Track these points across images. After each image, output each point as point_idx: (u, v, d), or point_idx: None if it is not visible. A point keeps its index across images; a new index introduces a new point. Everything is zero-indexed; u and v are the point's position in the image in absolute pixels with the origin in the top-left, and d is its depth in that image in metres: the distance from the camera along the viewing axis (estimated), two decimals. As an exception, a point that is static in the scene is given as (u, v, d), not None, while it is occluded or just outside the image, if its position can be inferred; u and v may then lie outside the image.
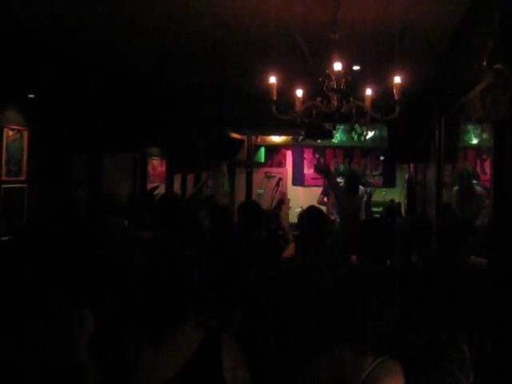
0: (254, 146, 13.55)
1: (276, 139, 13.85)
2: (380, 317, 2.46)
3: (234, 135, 12.43)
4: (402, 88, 4.90)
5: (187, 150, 11.16)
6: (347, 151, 14.30)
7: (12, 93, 7.02)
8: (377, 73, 5.45)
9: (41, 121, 7.58)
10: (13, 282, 2.35)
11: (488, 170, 11.75)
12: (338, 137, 13.46)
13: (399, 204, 12.21)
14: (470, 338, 2.72)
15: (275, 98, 5.00)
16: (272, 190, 11.25)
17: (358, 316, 2.46)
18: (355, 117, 5.13)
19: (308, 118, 5.22)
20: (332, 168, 13.78)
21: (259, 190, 13.55)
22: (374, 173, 14.29)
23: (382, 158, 13.62)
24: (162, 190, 10.75)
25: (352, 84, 5.00)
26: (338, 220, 9.76)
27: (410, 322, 2.64)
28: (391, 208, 10.80)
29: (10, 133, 7.12)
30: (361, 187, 10.03)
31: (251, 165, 13.34)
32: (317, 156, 14.33)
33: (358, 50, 5.73)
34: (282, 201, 6.70)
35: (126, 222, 5.60)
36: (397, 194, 13.27)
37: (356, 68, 6.60)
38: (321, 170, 9.68)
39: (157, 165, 11.39)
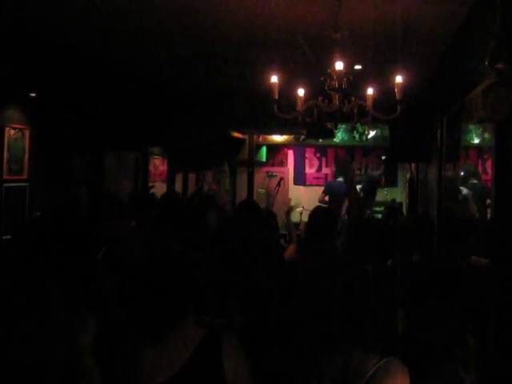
0: (256, 146, 13.55)
1: (277, 138, 13.84)
2: (385, 316, 2.46)
3: (236, 134, 12.43)
4: (404, 87, 4.90)
5: (189, 149, 11.16)
6: (349, 150, 14.29)
7: (14, 92, 7.02)
8: (378, 72, 5.46)
9: (42, 120, 7.59)
10: (13, 281, 2.35)
11: (489, 170, 11.74)
12: (340, 136, 13.45)
13: (401, 203, 12.22)
14: (472, 337, 2.72)
15: (277, 97, 5.00)
16: (273, 190, 11.27)
17: (364, 315, 2.46)
18: (357, 116, 5.13)
19: (310, 117, 5.22)
20: (332, 167, 13.83)
21: (260, 190, 13.55)
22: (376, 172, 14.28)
23: (383, 157, 13.62)
24: (161, 189, 10.77)
25: (353, 83, 5.00)
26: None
27: (413, 321, 2.64)
28: (393, 208, 10.81)
29: (12, 131, 7.12)
30: None
31: (253, 164, 13.34)
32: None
33: (359, 50, 5.72)
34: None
35: (134, 222, 5.60)
36: (398, 194, 13.27)
37: (358, 67, 6.59)
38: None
39: (158, 164, 11.40)
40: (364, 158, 14.31)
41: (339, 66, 4.84)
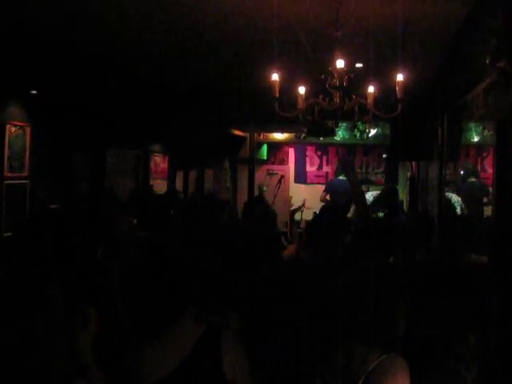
0: (257, 143, 13.56)
1: (278, 136, 13.84)
2: (386, 314, 2.47)
3: (237, 132, 12.43)
4: (405, 86, 4.90)
5: (189, 146, 11.16)
6: (350, 149, 14.30)
7: (15, 89, 7.02)
8: (379, 70, 5.45)
9: (43, 117, 7.58)
10: (13, 279, 2.35)
11: (488, 168, 11.76)
12: (341, 134, 13.45)
13: (401, 202, 12.21)
14: (473, 335, 2.72)
15: (278, 95, 4.99)
16: (274, 187, 11.29)
17: (365, 313, 2.46)
18: (357, 114, 5.13)
19: (310, 115, 5.22)
20: (333, 165, 13.83)
21: (261, 186, 13.56)
22: (377, 170, 14.30)
23: (384, 155, 13.62)
24: (162, 187, 10.78)
25: (354, 81, 4.99)
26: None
27: (414, 319, 2.64)
28: (393, 206, 10.79)
29: (13, 129, 7.12)
30: None
31: (253, 162, 13.35)
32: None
33: (360, 48, 5.72)
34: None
35: (135, 221, 5.60)
36: (399, 192, 13.27)
37: (358, 65, 6.59)
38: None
39: (159, 161, 11.39)
40: (365, 156, 14.32)
41: (340, 64, 4.84)
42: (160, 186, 10.76)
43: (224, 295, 3.48)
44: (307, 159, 14.62)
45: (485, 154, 12.35)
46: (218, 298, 3.33)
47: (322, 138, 13.02)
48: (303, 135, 12.97)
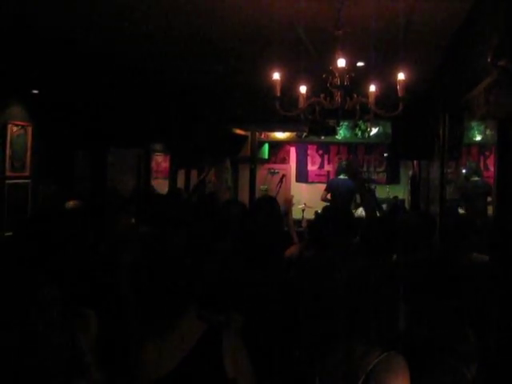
0: (258, 142, 13.55)
1: (280, 135, 13.84)
2: (387, 312, 2.47)
3: (238, 131, 12.43)
4: (406, 84, 4.90)
5: (191, 145, 11.16)
6: (351, 148, 14.30)
7: (16, 88, 7.02)
8: (381, 69, 5.45)
9: (45, 116, 7.59)
10: (14, 281, 2.36)
11: (491, 167, 11.76)
12: (342, 133, 13.45)
13: (403, 201, 12.22)
14: (473, 333, 2.72)
15: (279, 94, 4.99)
16: (275, 187, 11.28)
17: (366, 311, 2.47)
18: (359, 113, 5.12)
19: (312, 114, 5.22)
20: (335, 165, 13.82)
21: (262, 187, 13.56)
22: (378, 169, 14.30)
23: (385, 154, 13.62)
24: (163, 186, 10.78)
25: (356, 80, 4.99)
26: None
27: (415, 318, 2.64)
28: (396, 205, 10.81)
29: (14, 128, 7.12)
30: None
31: (255, 161, 13.34)
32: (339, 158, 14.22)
33: (361, 47, 5.72)
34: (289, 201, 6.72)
35: (133, 220, 5.60)
36: (400, 191, 13.27)
37: (360, 64, 6.59)
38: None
39: (160, 161, 11.39)
40: (366, 155, 14.32)
41: (341, 63, 4.84)
42: (161, 185, 10.77)
43: (226, 294, 3.49)
44: (308, 158, 14.63)
45: (487, 153, 12.35)
46: (219, 297, 3.35)
47: (323, 137, 13.01)
48: (304, 134, 12.97)
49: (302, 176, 14.61)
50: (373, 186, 10.45)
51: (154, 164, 11.06)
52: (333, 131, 11.42)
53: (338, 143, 14.11)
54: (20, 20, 5.75)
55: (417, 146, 8.83)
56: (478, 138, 11.56)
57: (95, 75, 7.47)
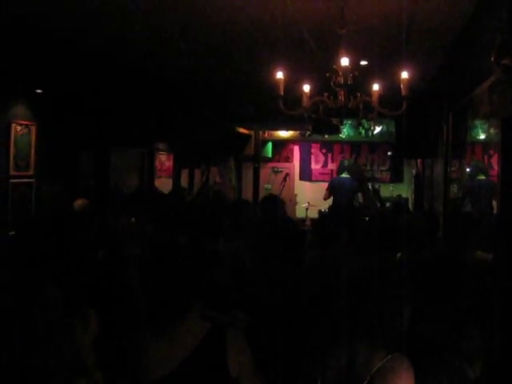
0: (262, 141, 13.56)
1: (283, 134, 13.85)
2: (391, 311, 2.47)
3: (242, 130, 12.45)
4: (410, 83, 4.90)
5: (194, 144, 11.17)
6: (355, 146, 14.30)
7: (20, 88, 7.04)
8: (384, 68, 5.45)
9: (48, 116, 7.60)
10: (15, 279, 2.36)
11: (495, 166, 11.72)
12: (346, 132, 13.45)
13: (406, 199, 12.21)
14: (478, 332, 2.72)
15: (282, 93, 5.00)
16: (279, 185, 11.30)
17: (370, 310, 2.46)
18: (362, 112, 5.12)
19: (315, 113, 5.22)
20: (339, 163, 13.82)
21: (266, 185, 13.57)
22: (382, 168, 14.29)
23: (389, 153, 13.61)
24: (167, 185, 10.79)
25: (359, 79, 4.99)
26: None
27: (419, 316, 2.64)
28: (399, 204, 10.80)
29: (18, 128, 7.14)
30: None
31: (258, 160, 13.36)
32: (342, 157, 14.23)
33: (365, 45, 5.72)
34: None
35: (133, 219, 5.60)
36: (404, 190, 13.27)
37: (363, 63, 6.59)
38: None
39: (164, 160, 11.41)
40: (370, 153, 14.31)
41: (345, 61, 4.84)
42: (165, 184, 10.78)
43: (230, 294, 3.49)
44: (312, 157, 14.63)
45: (491, 152, 12.32)
46: (224, 297, 3.35)
47: (326, 136, 13.02)
48: (308, 133, 12.98)
49: (306, 175, 14.61)
50: (377, 186, 10.45)
51: (157, 163, 11.08)
52: (336, 130, 11.41)
53: (342, 142, 14.11)
54: (23, 20, 5.76)
55: (420, 144, 8.83)
56: (482, 136, 11.53)
57: (99, 75, 7.48)
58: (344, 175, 11.37)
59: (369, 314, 2.47)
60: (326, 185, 12.26)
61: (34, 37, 6.12)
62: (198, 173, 12.00)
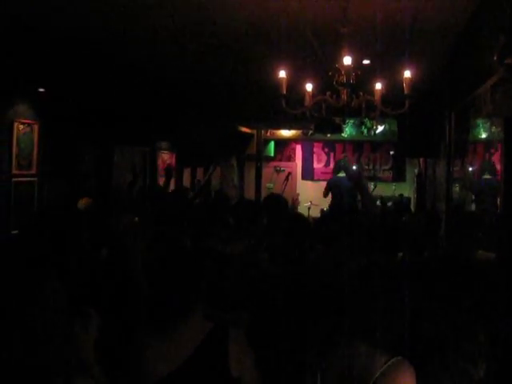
0: (264, 140, 13.56)
1: (285, 133, 13.85)
2: (393, 311, 2.46)
3: (244, 129, 12.45)
4: (412, 82, 4.89)
5: (197, 143, 11.18)
6: (357, 145, 14.28)
7: (22, 87, 7.04)
8: (387, 67, 5.44)
9: (51, 114, 7.61)
10: (15, 279, 2.36)
11: (496, 165, 11.70)
12: (348, 131, 13.45)
13: (409, 199, 12.20)
14: (482, 332, 2.71)
15: (285, 92, 5.00)
16: (281, 184, 11.30)
17: (371, 310, 2.46)
18: (365, 111, 5.12)
19: (317, 112, 5.22)
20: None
21: (269, 184, 13.57)
22: (384, 167, 14.27)
23: (391, 152, 13.60)
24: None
25: (362, 78, 4.99)
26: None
27: (422, 317, 2.64)
28: (401, 203, 10.81)
29: (21, 126, 7.14)
30: None
31: (261, 159, 13.36)
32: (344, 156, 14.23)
33: (367, 44, 5.72)
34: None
35: (137, 218, 5.60)
36: (406, 189, 13.26)
37: (366, 62, 6.58)
38: (352, 178, 9.61)
39: (166, 158, 11.41)
40: (372, 153, 14.30)
41: (347, 60, 4.84)
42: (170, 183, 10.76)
43: (232, 293, 3.49)
44: (314, 156, 14.62)
45: (492, 151, 12.30)
46: (227, 297, 3.35)
47: (329, 135, 13.03)
48: (310, 132, 12.98)
49: (308, 174, 14.61)
50: (372, 185, 10.47)
51: (159, 162, 11.08)
52: (339, 129, 11.43)
53: (344, 141, 14.11)
54: (26, 19, 5.77)
55: (423, 143, 8.83)
56: (484, 135, 11.52)
57: (101, 74, 7.49)
58: (341, 174, 11.34)
59: (370, 312, 2.47)
60: (327, 184, 12.27)
61: (36, 35, 6.12)
62: (200, 172, 12.00)
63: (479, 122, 9.97)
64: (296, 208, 11.95)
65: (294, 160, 14.72)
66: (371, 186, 10.30)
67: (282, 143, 14.56)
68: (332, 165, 14.39)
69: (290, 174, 12.28)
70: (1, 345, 2.14)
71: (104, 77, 7.61)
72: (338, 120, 9.67)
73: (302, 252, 4.08)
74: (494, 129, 10.49)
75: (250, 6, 5.29)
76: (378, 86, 5.07)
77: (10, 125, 6.96)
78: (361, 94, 5.04)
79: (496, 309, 3.82)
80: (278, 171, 14.12)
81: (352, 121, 12.97)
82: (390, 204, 11.40)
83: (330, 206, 10.60)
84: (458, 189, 8.46)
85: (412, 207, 11.47)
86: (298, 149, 14.71)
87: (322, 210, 11.22)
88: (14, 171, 7.06)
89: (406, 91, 4.90)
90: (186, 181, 11.82)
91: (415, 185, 11.65)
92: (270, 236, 4.49)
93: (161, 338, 2.61)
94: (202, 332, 2.61)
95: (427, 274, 3.93)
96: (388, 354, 2.39)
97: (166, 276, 2.62)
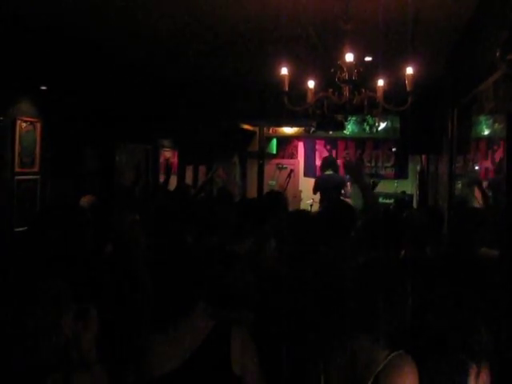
0: (266, 138, 13.55)
1: (288, 130, 13.84)
2: (396, 308, 2.46)
3: (246, 126, 12.44)
4: (415, 79, 4.89)
5: (199, 141, 11.17)
6: (359, 142, 14.27)
7: (25, 85, 7.04)
8: (389, 64, 5.44)
9: (53, 112, 7.60)
10: (17, 277, 2.37)
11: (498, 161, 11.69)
12: (350, 128, 13.43)
13: (411, 195, 12.19)
14: (485, 328, 2.71)
15: (287, 89, 5.00)
16: (284, 182, 11.29)
17: (375, 307, 2.46)
18: (367, 108, 5.13)
19: (320, 109, 5.22)
20: (343, 160, 13.79)
21: (271, 182, 13.57)
22: (386, 164, 14.25)
23: (394, 149, 13.59)
24: (172, 181, 10.78)
25: (364, 75, 4.99)
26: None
27: (423, 313, 2.64)
28: (402, 201, 10.79)
29: (23, 124, 7.14)
30: None
31: (263, 156, 13.35)
32: (346, 154, 14.23)
33: (370, 41, 5.71)
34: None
35: (138, 216, 5.59)
36: (409, 186, 13.24)
37: (368, 59, 6.58)
38: (350, 170, 9.59)
39: (169, 156, 11.41)
40: (374, 150, 14.28)
41: (349, 57, 4.84)
42: (170, 180, 10.77)
43: (235, 291, 3.49)
44: (316, 153, 14.60)
45: (495, 147, 12.29)
46: (229, 294, 3.35)
47: (331, 132, 13.02)
48: (312, 129, 12.97)
49: (310, 171, 14.58)
50: (370, 181, 10.47)
51: (162, 160, 11.08)
52: (341, 126, 11.42)
53: (346, 138, 14.09)
54: (29, 17, 5.77)
55: (425, 140, 8.82)
56: (486, 132, 11.51)
57: (103, 72, 7.49)
58: (328, 172, 11.31)
59: (372, 308, 2.47)
60: (330, 181, 12.27)
61: (39, 34, 6.13)
62: (202, 169, 12.00)
63: (482, 118, 9.96)
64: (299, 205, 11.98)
65: (296, 157, 14.71)
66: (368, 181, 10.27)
67: (284, 140, 14.54)
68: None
69: (292, 171, 12.25)
70: (1, 341, 2.15)
71: (106, 75, 7.61)
72: (340, 117, 9.65)
73: (308, 250, 4.08)
74: (496, 125, 10.50)
75: (252, 2, 5.29)
76: (381, 82, 5.07)
77: (13, 123, 6.96)
78: (363, 90, 5.04)
79: (498, 305, 3.82)
80: (280, 168, 14.11)
81: (354, 118, 12.95)
82: (391, 201, 11.40)
83: (320, 204, 10.69)
84: (460, 185, 8.45)
85: (414, 204, 11.45)
86: (300, 146, 14.69)
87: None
88: (17, 169, 7.06)
89: (408, 88, 4.89)
90: (189, 178, 11.81)
91: (417, 182, 11.63)
92: (278, 234, 4.49)
93: (163, 336, 2.61)
94: (205, 330, 2.62)
95: (429, 268, 3.93)
96: (390, 347, 2.39)
97: (168, 274, 2.62)
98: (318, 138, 14.21)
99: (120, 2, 5.35)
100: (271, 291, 3.74)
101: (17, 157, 7.02)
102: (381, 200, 11.23)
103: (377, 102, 5.08)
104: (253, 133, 12.95)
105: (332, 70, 4.97)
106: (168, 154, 11.39)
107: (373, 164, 14.20)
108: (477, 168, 10.06)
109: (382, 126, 13.12)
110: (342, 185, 11.00)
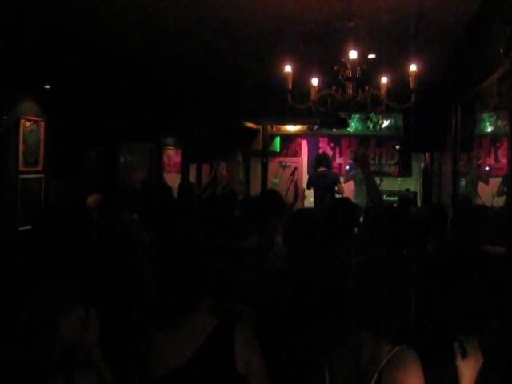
0: (269, 136, 13.53)
1: (291, 128, 13.83)
2: (398, 303, 2.47)
3: (249, 125, 12.43)
4: (418, 76, 4.88)
5: (202, 139, 11.18)
6: (362, 140, 14.25)
7: (29, 84, 7.05)
8: (392, 61, 5.43)
9: (57, 111, 7.61)
10: (19, 275, 2.37)
11: (501, 158, 11.71)
12: (354, 126, 13.42)
13: (415, 193, 12.17)
14: (490, 326, 2.71)
15: (290, 86, 5.00)
16: (287, 180, 11.29)
17: (378, 303, 2.46)
18: (370, 105, 5.12)
19: (323, 106, 5.22)
20: (347, 157, 13.79)
21: (274, 180, 13.56)
22: (390, 162, 14.23)
23: (397, 146, 13.57)
24: (175, 180, 10.80)
25: (367, 72, 4.99)
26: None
27: (426, 309, 2.64)
28: (407, 198, 10.78)
29: (27, 123, 7.15)
30: None
31: (266, 154, 13.34)
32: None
33: (373, 39, 5.71)
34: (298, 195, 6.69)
35: (136, 215, 5.58)
36: (412, 184, 13.23)
37: (371, 56, 6.57)
38: (358, 158, 9.59)
39: (172, 155, 11.42)
40: (378, 147, 14.26)
41: (353, 55, 4.83)
42: (173, 179, 10.79)
43: (239, 289, 3.49)
44: (320, 151, 14.59)
45: (498, 144, 12.29)
46: (233, 292, 3.35)
47: (334, 130, 13.01)
48: (316, 127, 12.96)
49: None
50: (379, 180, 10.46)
51: (165, 158, 11.09)
52: (344, 124, 11.40)
53: (350, 136, 14.08)
54: (32, 16, 5.78)
55: (429, 138, 8.81)
56: (490, 129, 11.51)
57: (107, 70, 7.50)
58: (321, 169, 11.29)
59: (375, 304, 2.47)
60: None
61: (42, 33, 6.13)
62: (206, 168, 12.00)
63: (485, 115, 9.95)
64: (302, 203, 11.96)
65: (300, 155, 14.69)
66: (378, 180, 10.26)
67: (288, 138, 14.53)
68: (338, 160, 14.38)
69: (295, 169, 12.24)
70: (2, 339, 2.16)
71: (109, 75, 7.61)
72: (343, 115, 9.66)
73: (316, 247, 4.08)
74: (499, 122, 10.49)
75: (256, 1, 5.29)
76: (384, 80, 5.07)
77: (17, 122, 6.97)
78: (366, 88, 5.04)
79: (503, 303, 3.81)
80: (284, 166, 14.10)
81: (358, 115, 12.94)
82: (395, 198, 11.39)
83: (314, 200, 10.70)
84: (464, 183, 8.45)
85: (418, 202, 11.45)
86: (304, 144, 14.67)
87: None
88: (21, 168, 7.07)
89: (411, 85, 4.89)
90: (192, 176, 11.82)
91: (421, 179, 11.62)
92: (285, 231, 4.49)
93: (167, 334, 2.61)
94: (209, 328, 2.61)
95: (433, 265, 3.93)
96: (393, 343, 2.40)
97: (172, 272, 2.62)
98: (321, 135, 14.20)
99: (124, 3, 5.36)
100: (277, 288, 3.74)
101: (21, 156, 7.03)
102: (385, 198, 11.20)
103: (380, 100, 5.08)
104: (256, 131, 12.94)
105: (335, 68, 4.97)
106: (172, 153, 11.40)
107: (376, 162, 14.18)
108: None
109: (386, 123, 13.11)
110: (336, 182, 11.00)
